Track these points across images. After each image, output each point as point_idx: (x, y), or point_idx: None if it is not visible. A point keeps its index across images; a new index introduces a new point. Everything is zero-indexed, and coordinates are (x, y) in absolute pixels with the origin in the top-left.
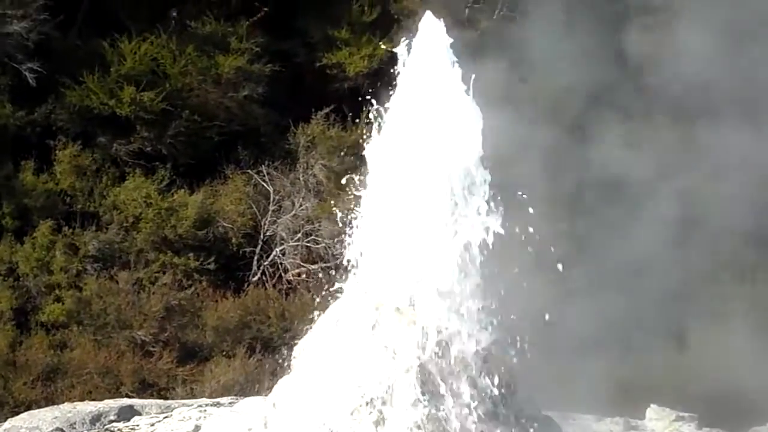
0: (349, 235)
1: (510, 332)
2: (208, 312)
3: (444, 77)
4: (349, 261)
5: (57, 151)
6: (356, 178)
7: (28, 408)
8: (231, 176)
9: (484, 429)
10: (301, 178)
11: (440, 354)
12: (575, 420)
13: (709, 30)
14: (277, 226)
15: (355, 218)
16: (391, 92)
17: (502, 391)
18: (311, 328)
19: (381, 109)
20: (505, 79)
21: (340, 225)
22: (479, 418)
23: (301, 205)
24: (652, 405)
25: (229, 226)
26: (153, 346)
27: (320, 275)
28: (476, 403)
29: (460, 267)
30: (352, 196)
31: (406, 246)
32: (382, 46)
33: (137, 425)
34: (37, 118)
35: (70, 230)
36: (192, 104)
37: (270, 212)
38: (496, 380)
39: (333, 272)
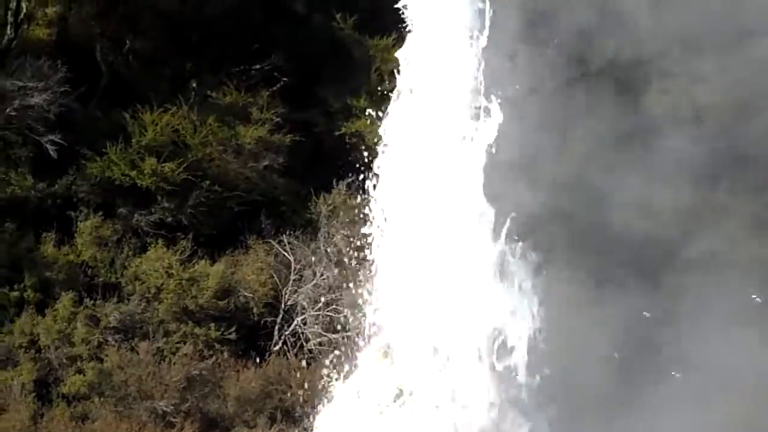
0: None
1: None
2: (230, 382)
3: None
4: (371, 330)
5: (78, 223)
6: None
7: None
8: (252, 246)
9: None
10: (322, 248)
11: None
12: None
13: None
14: (299, 296)
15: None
16: None
17: None
18: (332, 398)
19: None
20: None
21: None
22: None
23: (322, 275)
24: None
25: (250, 295)
26: (174, 417)
27: (342, 344)
28: None
29: None
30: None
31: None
32: None
33: None
34: (58, 189)
35: (92, 302)
36: (212, 174)
37: (291, 282)
38: None
39: (355, 341)
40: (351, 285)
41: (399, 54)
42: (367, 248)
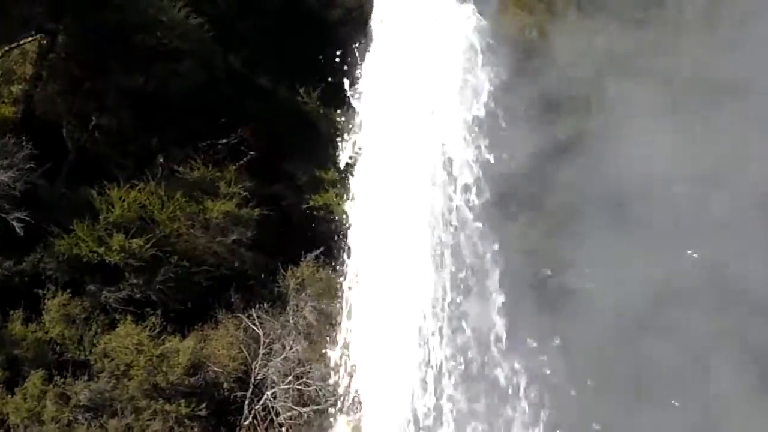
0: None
1: None
2: None
3: None
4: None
5: (46, 300)
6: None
7: None
8: (221, 320)
9: None
10: (291, 321)
11: None
12: None
13: None
14: (268, 370)
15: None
16: None
17: None
18: None
19: None
20: None
21: (331, 366)
22: None
23: (291, 348)
24: None
25: (220, 370)
26: None
27: (313, 418)
28: None
29: None
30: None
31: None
32: None
33: None
34: (26, 267)
35: (62, 379)
36: (181, 249)
37: (261, 355)
38: None
39: (324, 415)
40: (320, 357)
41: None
42: (336, 319)
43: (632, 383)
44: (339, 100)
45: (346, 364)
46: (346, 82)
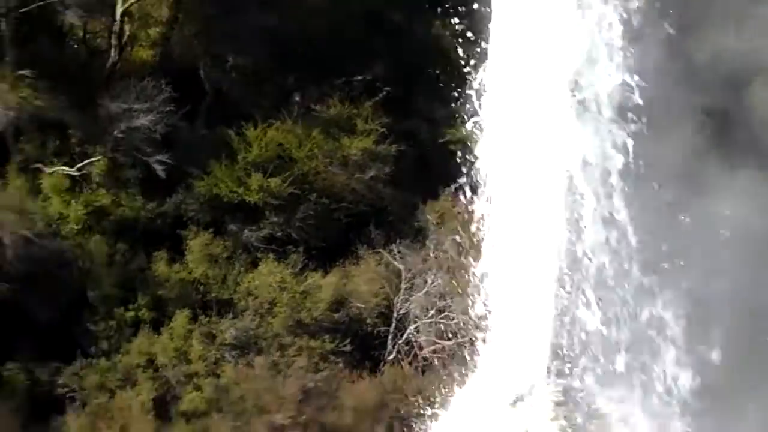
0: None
1: None
2: (346, 393)
3: None
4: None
5: (188, 241)
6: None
7: None
8: (362, 257)
9: None
10: (432, 255)
11: None
12: None
13: None
14: (410, 304)
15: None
16: None
17: None
18: (449, 405)
19: None
20: None
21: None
22: None
23: (432, 282)
24: None
25: (363, 306)
26: (292, 430)
27: (455, 350)
28: None
29: None
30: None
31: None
32: None
33: None
34: (168, 209)
35: (206, 319)
36: (319, 187)
37: (402, 290)
38: None
39: (468, 347)
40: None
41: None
42: (477, 252)
43: None
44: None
45: (486, 294)
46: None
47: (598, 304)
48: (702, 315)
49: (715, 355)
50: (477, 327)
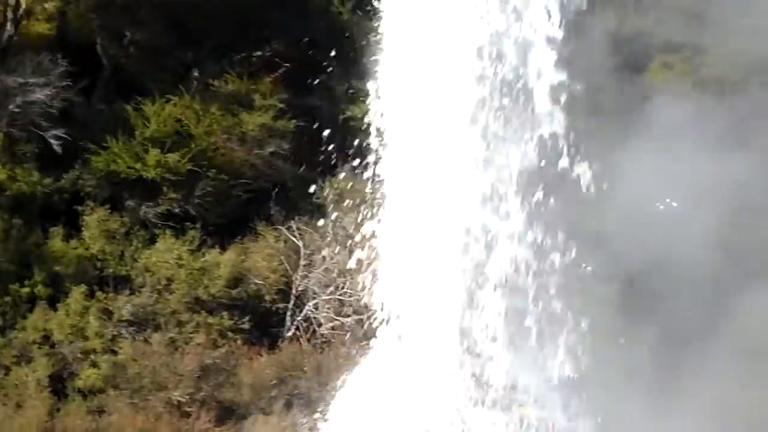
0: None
1: None
2: (244, 370)
3: None
4: (382, 311)
5: (85, 217)
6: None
7: None
8: (261, 233)
9: None
10: (331, 232)
11: None
12: None
13: None
14: (309, 281)
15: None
16: None
17: None
18: (348, 380)
19: None
20: None
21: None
22: None
23: (332, 258)
24: None
25: (262, 283)
26: (190, 407)
27: (354, 327)
28: None
29: None
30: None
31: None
32: None
33: None
34: (65, 184)
35: (104, 295)
36: (218, 163)
37: (301, 267)
38: None
39: (367, 324)
40: (361, 268)
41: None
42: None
43: None
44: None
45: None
46: None
47: (505, 280)
48: None
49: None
50: (376, 305)
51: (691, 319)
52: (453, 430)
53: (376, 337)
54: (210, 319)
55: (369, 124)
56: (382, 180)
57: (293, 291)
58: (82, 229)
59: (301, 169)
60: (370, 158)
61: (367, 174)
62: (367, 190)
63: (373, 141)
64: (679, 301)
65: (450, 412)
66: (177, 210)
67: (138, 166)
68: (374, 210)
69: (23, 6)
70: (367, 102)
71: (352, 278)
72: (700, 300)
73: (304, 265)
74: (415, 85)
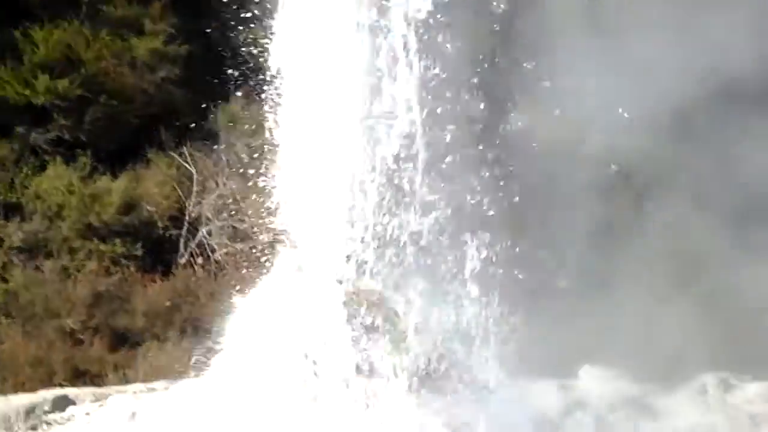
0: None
1: None
2: (137, 297)
3: None
4: (275, 236)
5: None
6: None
7: None
8: (153, 159)
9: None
10: (224, 158)
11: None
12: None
13: None
14: (202, 207)
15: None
16: None
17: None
18: (242, 305)
19: None
20: None
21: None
22: None
23: (225, 185)
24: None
25: (154, 209)
26: (83, 334)
27: (248, 253)
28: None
29: None
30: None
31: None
32: None
33: (73, 415)
34: None
35: None
36: (108, 89)
37: (194, 193)
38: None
39: (260, 249)
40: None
41: None
42: (270, 156)
43: None
44: None
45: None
46: None
47: (392, 207)
48: None
49: None
50: (269, 230)
51: None
52: (347, 355)
53: (271, 264)
54: (102, 246)
55: (266, 48)
56: (279, 103)
57: (186, 217)
58: None
59: (193, 95)
60: (267, 79)
61: (263, 96)
62: (262, 111)
63: (271, 63)
64: None
65: (344, 339)
66: (67, 136)
67: (27, 92)
68: (269, 135)
69: None
70: (261, 28)
71: (245, 204)
72: None
73: (197, 192)
74: None
